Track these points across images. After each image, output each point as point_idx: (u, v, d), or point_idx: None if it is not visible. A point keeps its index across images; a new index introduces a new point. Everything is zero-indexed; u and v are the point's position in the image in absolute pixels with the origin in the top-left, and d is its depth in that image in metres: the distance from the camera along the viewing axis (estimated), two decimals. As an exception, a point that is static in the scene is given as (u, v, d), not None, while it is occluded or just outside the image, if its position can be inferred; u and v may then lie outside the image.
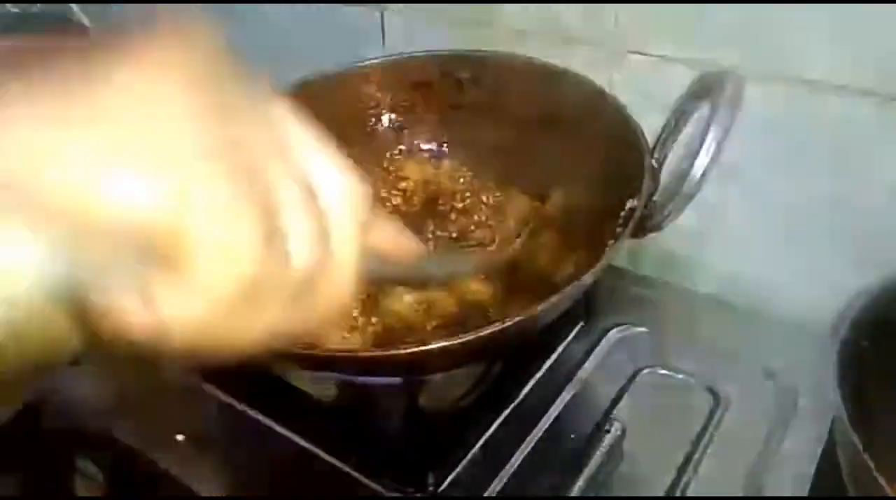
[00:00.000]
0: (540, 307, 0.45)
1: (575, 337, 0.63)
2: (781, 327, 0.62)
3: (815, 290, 0.62)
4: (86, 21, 0.89)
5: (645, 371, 0.59)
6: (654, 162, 0.51)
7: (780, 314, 0.63)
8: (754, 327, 0.62)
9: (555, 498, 0.50)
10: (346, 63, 0.69)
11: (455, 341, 0.44)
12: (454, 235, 0.68)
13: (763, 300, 0.64)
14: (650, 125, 0.61)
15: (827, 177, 0.58)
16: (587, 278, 0.47)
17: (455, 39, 0.72)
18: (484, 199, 0.68)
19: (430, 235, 0.67)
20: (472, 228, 0.67)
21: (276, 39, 0.86)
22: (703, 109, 0.48)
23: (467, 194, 0.69)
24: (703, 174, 0.45)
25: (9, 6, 0.86)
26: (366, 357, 0.47)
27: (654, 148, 0.52)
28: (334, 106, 0.68)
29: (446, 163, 0.71)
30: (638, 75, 0.63)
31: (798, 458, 0.52)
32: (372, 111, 0.70)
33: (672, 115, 0.52)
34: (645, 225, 0.49)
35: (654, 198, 0.49)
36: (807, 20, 0.54)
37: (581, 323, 0.64)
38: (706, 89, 0.48)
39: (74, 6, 0.88)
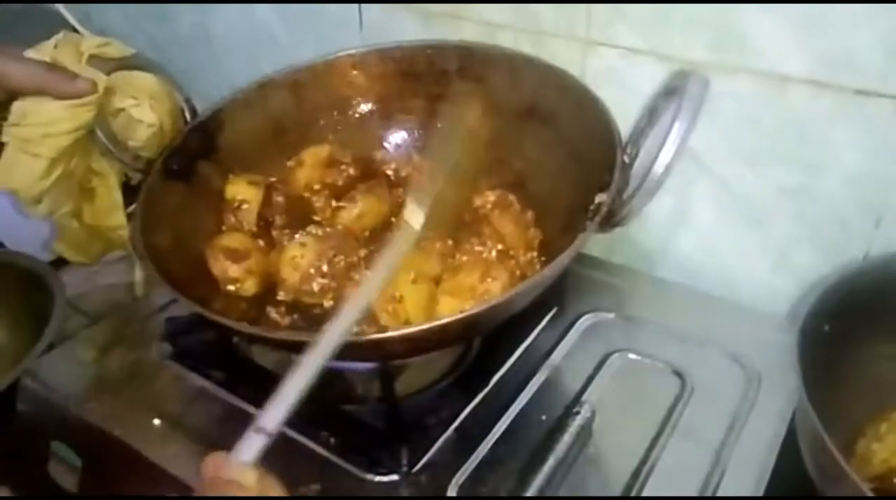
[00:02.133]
0: (490, 303, 0.47)
1: (548, 323, 0.64)
2: (747, 313, 0.64)
3: (778, 277, 0.64)
4: (64, 11, 0.88)
5: (615, 355, 0.61)
6: (625, 158, 0.52)
7: (746, 301, 0.65)
8: (721, 314, 0.64)
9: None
10: (333, 51, 0.69)
11: (417, 329, 0.45)
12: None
13: (729, 288, 0.66)
14: (622, 119, 0.62)
15: (790, 168, 0.60)
16: (548, 271, 0.48)
17: (430, 32, 0.73)
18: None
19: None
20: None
21: (254, 30, 0.87)
22: (673, 107, 0.49)
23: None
24: (666, 170, 0.47)
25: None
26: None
27: (627, 143, 0.54)
28: (319, 94, 0.69)
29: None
30: (609, 67, 0.64)
31: (762, 439, 0.54)
32: (357, 100, 0.71)
33: (643, 112, 0.53)
34: (611, 220, 0.50)
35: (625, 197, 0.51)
36: (771, 15, 0.56)
37: (555, 309, 0.65)
38: (674, 88, 0.49)
39: (61, 6, 0.87)
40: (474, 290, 0.54)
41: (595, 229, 0.51)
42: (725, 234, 0.66)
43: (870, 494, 0.41)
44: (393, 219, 0.66)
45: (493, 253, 0.59)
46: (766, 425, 0.55)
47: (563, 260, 0.49)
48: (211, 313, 0.49)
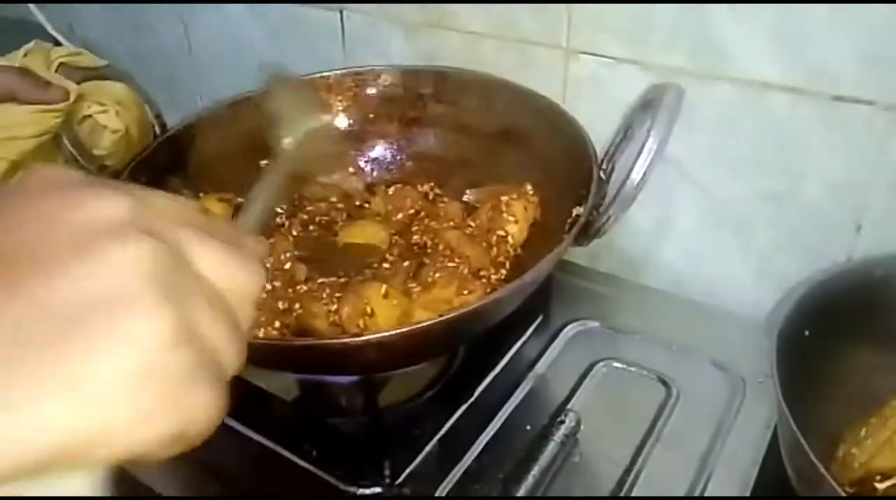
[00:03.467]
0: (474, 305, 0.47)
1: (533, 332, 0.64)
2: (731, 319, 0.64)
3: (761, 284, 0.65)
4: (44, 21, 0.88)
5: (600, 364, 0.61)
6: (601, 173, 0.53)
7: (729, 308, 0.65)
8: (705, 321, 0.64)
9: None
10: (307, 72, 0.69)
11: (395, 332, 0.45)
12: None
13: (713, 295, 0.66)
14: (602, 125, 0.63)
15: (770, 174, 0.60)
16: (528, 277, 0.48)
17: (414, 43, 0.73)
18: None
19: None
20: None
21: (235, 39, 0.87)
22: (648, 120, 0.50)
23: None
24: (641, 181, 0.47)
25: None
26: (318, 346, 0.47)
27: (603, 159, 0.54)
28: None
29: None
30: (591, 75, 0.65)
31: (747, 446, 0.54)
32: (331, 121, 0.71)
33: (620, 126, 0.53)
34: (588, 232, 0.51)
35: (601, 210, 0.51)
36: (749, 22, 0.56)
37: (540, 318, 0.65)
38: (650, 101, 0.49)
39: (32, 6, 0.88)
40: (450, 302, 0.54)
41: (573, 241, 0.51)
42: (708, 241, 0.66)
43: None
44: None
45: (466, 270, 0.58)
46: (751, 431, 0.55)
47: (543, 266, 0.49)
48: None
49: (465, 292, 0.54)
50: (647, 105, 0.51)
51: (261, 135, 0.69)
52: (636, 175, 0.46)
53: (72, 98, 0.55)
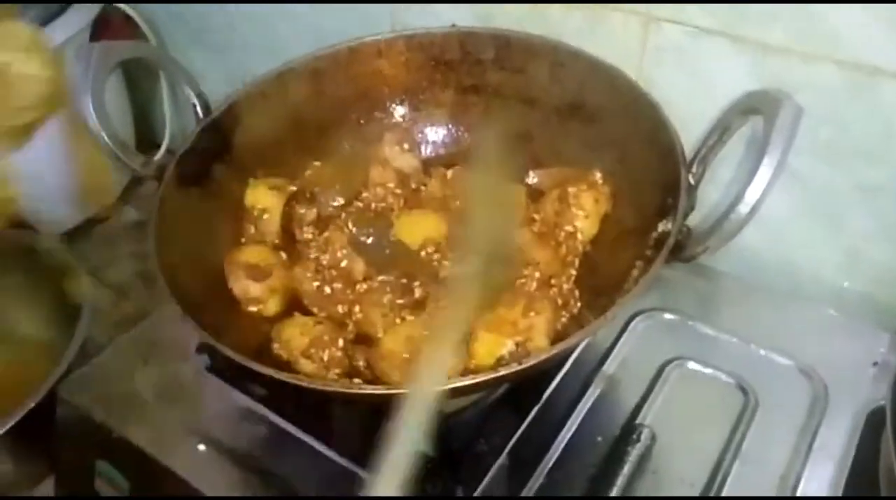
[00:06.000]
0: (543, 355, 0.44)
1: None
2: (813, 314, 0.60)
3: (849, 277, 0.60)
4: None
5: (673, 364, 0.58)
6: (690, 178, 0.47)
7: (816, 304, 0.61)
8: (785, 315, 0.60)
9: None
10: (357, 37, 0.63)
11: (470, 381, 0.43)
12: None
13: (796, 285, 0.62)
14: (685, 107, 0.56)
15: (872, 164, 0.55)
16: (599, 323, 0.45)
17: (468, 4, 0.66)
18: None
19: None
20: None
21: (279, 7, 0.79)
22: (748, 126, 0.43)
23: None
24: (752, 211, 0.41)
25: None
26: (377, 394, 0.45)
27: (692, 161, 0.48)
28: (346, 83, 0.64)
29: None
30: (673, 47, 0.58)
31: (831, 457, 0.52)
32: (385, 90, 0.65)
33: (714, 128, 0.47)
34: (678, 254, 0.46)
35: (688, 223, 0.46)
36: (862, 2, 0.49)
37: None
38: (756, 108, 0.43)
39: None
40: (516, 325, 0.50)
41: (661, 263, 0.46)
42: (796, 228, 0.61)
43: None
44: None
45: (534, 284, 0.54)
46: (835, 445, 0.52)
47: (627, 301, 0.45)
48: (249, 360, 0.45)
49: (532, 313, 0.50)
50: (749, 111, 0.45)
51: (311, 108, 0.65)
52: (745, 206, 0.41)
53: None
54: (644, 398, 0.56)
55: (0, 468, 0.63)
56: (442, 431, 0.54)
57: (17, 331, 0.77)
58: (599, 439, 0.54)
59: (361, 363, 0.53)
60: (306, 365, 0.51)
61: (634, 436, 0.52)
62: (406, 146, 0.64)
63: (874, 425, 0.53)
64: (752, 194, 0.41)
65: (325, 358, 0.51)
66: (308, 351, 0.51)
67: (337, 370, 0.51)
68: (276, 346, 0.53)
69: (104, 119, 0.54)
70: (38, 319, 0.76)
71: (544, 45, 0.61)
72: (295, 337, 0.53)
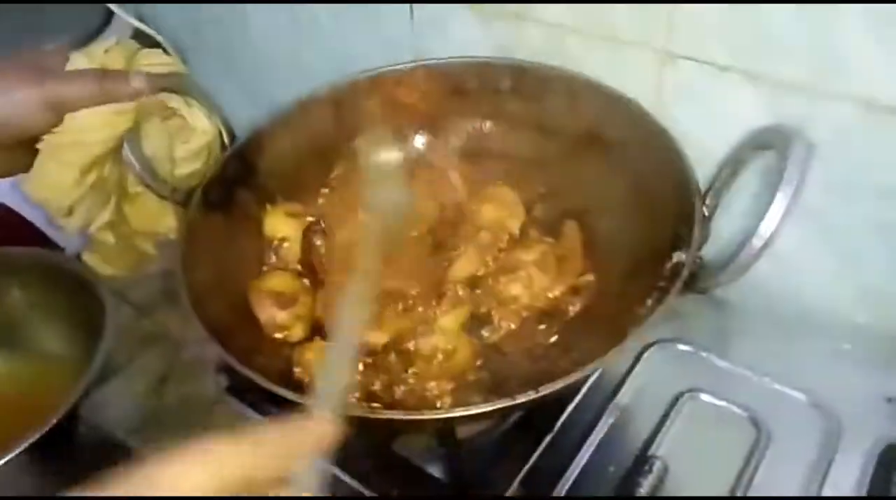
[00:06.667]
0: (560, 384, 0.44)
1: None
2: (829, 350, 0.60)
3: (867, 314, 0.60)
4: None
5: (685, 396, 0.58)
6: (704, 210, 0.48)
7: (831, 338, 0.61)
8: (798, 348, 0.61)
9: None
10: (377, 67, 0.64)
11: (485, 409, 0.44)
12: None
13: (808, 320, 0.62)
14: (700, 143, 0.57)
15: (888, 200, 0.55)
16: (609, 357, 0.45)
17: (488, 30, 0.67)
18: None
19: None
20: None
21: (297, 16, 0.81)
22: (762, 160, 0.44)
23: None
24: (765, 245, 0.42)
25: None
26: (398, 420, 0.46)
27: (706, 193, 0.49)
28: (365, 111, 0.65)
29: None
30: (689, 84, 0.59)
31: (843, 493, 0.51)
32: (404, 118, 0.66)
33: (728, 161, 0.48)
34: (691, 285, 0.46)
35: (701, 254, 0.46)
36: (880, 38, 0.49)
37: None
38: (769, 143, 0.44)
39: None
40: None
41: (675, 295, 0.47)
42: (810, 263, 0.61)
43: None
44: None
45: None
46: (848, 479, 0.52)
47: (641, 331, 0.46)
48: (277, 386, 0.46)
49: None
50: (764, 146, 0.45)
51: (330, 137, 0.66)
52: (759, 240, 0.42)
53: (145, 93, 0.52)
54: (657, 430, 0.56)
55: (19, 486, 0.64)
56: (454, 458, 0.56)
57: (40, 348, 0.78)
58: (612, 469, 0.54)
59: (377, 387, 0.54)
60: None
61: (647, 467, 0.52)
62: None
63: (887, 462, 0.53)
64: (765, 228, 0.42)
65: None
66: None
67: (356, 394, 0.52)
68: (297, 370, 0.54)
69: (135, 147, 0.56)
70: (60, 336, 0.77)
71: (560, 76, 0.62)
72: (316, 361, 0.54)
